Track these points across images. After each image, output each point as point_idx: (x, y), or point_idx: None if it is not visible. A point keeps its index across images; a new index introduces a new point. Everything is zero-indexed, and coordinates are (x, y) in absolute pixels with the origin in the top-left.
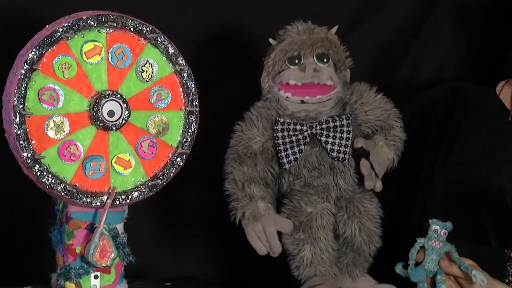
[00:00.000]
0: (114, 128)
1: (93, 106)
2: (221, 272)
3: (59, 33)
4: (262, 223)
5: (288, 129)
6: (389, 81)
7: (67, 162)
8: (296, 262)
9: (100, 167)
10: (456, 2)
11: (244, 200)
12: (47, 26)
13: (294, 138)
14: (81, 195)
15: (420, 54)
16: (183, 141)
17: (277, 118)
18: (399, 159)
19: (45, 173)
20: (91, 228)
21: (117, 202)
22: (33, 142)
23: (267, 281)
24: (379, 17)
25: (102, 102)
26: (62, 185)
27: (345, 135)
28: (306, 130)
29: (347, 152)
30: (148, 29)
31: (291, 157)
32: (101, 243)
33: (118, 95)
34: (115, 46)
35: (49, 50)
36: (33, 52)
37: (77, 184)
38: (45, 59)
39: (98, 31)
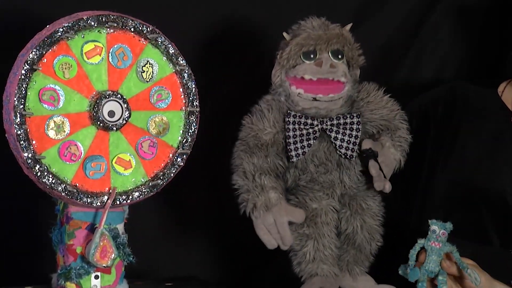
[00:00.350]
0: (115, 128)
1: (94, 106)
2: (221, 272)
3: (59, 33)
4: (274, 214)
5: (299, 122)
6: (389, 81)
7: (68, 162)
8: (298, 258)
9: (100, 167)
10: (456, 2)
11: (255, 191)
12: (47, 26)
13: (304, 132)
14: (81, 195)
15: (420, 54)
16: (184, 141)
17: (289, 111)
18: (405, 161)
19: (45, 173)
20: (92, 228)
21: (118, 202)
22: (34, 142)
23: (267, 281)
24: (379, 17)
25: (103, 102)
26: (63, 185)
27: (354, 133)
28: (317, 125)
29: (355, 150)
30: (148, 29)
31: (300, 151)
32: (101, 243)
33: (119, 95)
34: (115, 46)
35: (50, 50)
36: (33, 52)
37: (77, 184)
38: (45, 59)
39: (98, 31)
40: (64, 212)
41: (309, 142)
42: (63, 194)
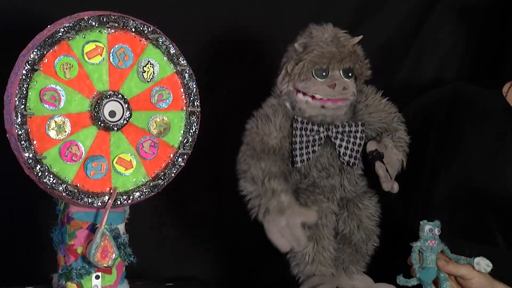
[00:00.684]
0: (116, 128)
1: (95, 106)
2: (221, 272)
3: (60, 34)
4: (287, 217)
5: (305, 129)
6: (389, 81)
7: (69, 163)
8: (297, 259)
9: (101, 167)
10: (456, 2)
11: (266, 196)
12: (48, 26)
13: (310, 138)
14: (82, 196)
15: (420, 54)
16: (184, 142)
17: (296, 117)
18: (406, 161)
19: (46, 174)
20: (93, 229)
21: (119, 203)
22: (35, 142)
23: (267, 281)
24: (379, 17)
25: (104, 102)
26: (64, 186)
27: (357, 141)
28: (323, 132)
29: (357, 157)
30: (149, 29)
31: (305, 157)
32: (102, 244)
33: (120, 95)
34: (116, 46)
35: (51, 50)
36: (34, 53)
37: (78, 185)
38: (46, 60)
39: (99, 31)
40: (65, 212)
41: (314, 148)
42: (64, 194)
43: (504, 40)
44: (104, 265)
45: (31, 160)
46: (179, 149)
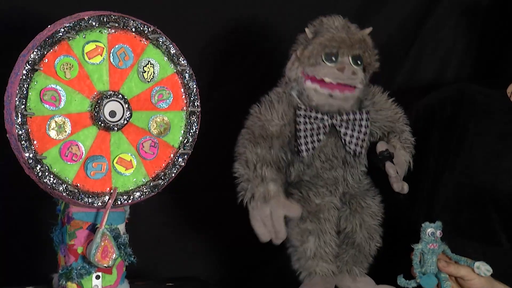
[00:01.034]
0: (116, 128)
1: (95, 106)
2: (222, 272)
3: (60, 34)
4: (271, 206)
5: (309, 116)
6: (390, 81)
7: (69, 163)
8: (298, 253)
9: (101, 167)
10: (456, 2)
11: (255, 181)
12: (48, 26)
13: (315, 126)
14: (82, 196)
15: (420, 54)
16: (185, 142)
17: (299, 105)
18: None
19: (46, 174)
20: (93, 229)
21: (119, 203)
22: (35, 142)
23: (267, 281)
24: (379, 17)
25: (104, 102)
26: (64, 186)
27: (363, 129)
28: (327, 120)
29: (363, 146)
30: (149, 29)
31: (310, 145)
32: (102, 244)
33: (120, 95)
34: (116, 46)
35: (51, 50)
36: (34, 53)
37: (78, 185)
38: (46, 60)
39: (99, 31)
40: (65, 212)
41: (319, 136)
42: (64, 194)
43: (505, 40)
44: (104, 265)
45: (31, 160)
46: (179, 149)
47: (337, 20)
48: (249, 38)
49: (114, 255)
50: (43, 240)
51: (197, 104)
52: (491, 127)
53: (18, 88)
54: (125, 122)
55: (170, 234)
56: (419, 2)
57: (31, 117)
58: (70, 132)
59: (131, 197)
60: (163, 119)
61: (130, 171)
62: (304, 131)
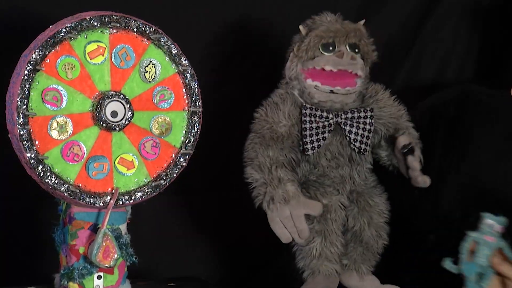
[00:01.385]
0: (117, 128)
1: (96, 106)
2: (223, 272)
3: (62, 34)
4: (290, 207)
5: (314, 115)
6: (390, 82)
7: (70, 163)
8: (303, 252)
9: (103, 167)
10: (457, 2)
11: (272, 184)
12: (50, 26)
13: (320, 125)
14: (84, 196)
15: (420, 54)
16: (186, 142)
17: (304, 104)
18: None
19: (48, 174)
20: (94, 229)
21: (120, 203)
22: (36, 142)
23: (268, 281)
24: (380, 17)
25: (105, 102)
26: (65, 186)
27: (368, 127)
28: (332, 118)
29: (368, 144)
30: (151, 29)
31: (315, 144)
32: (104, 244)
33: (121, 95)
34: (118, 46)
35: (53, 50)
36: (36, 53)
37: (80, 185)
38: (48, 60)
39: (101, 31)
40: (66, 212)
41: (324, 135)
42: (66, 194)
43: (506, 40)
44: (106, 265)
45: (33, 160)
46: (181, 149)
47: (329, 15)
48: (250, 38)
49: (115, 255)
50: (44, 240)
51: (199, 104)
52: (496, 128)
53: (19, 88)
54: (127, 122)
55: (171, 234)
56: (419, 2)
57: (32, 117)
58: (71, 132)
59: (133, 197)
60: (165, 119)
61: (132, 171)
62: (310, 129)
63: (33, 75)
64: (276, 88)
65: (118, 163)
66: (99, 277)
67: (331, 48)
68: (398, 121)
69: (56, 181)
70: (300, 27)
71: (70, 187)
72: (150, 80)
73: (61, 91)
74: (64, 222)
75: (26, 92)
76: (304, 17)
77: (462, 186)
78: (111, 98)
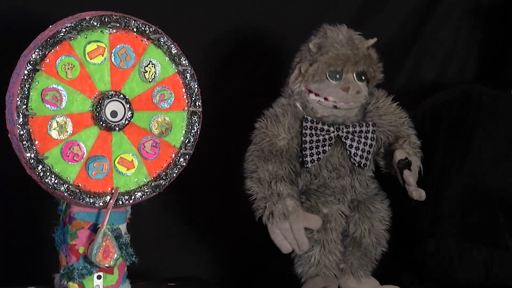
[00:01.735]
0: (117, 128)
1: (96, 106)
2: (223, 272)
3: (62, 34)
4: (290, 221)
5: (315, 128)
6: (390, 82)
7: (70, 163)
8: (302, 260)
9: (103, 167)
10: (457, 2)
11: (272, 199)
12: (50, 26)
13: (320, 138)
14: (84, 196)
15: (421, 55)
16: (186, 142)
17: (306, 116)
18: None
19: (48, 174)
20: (94, 229)
21: (120, 203)
22: (36, 142)
23: (268, 281)
24: (380, 18)
25: (105, 102)
26: (65, 186)
27: (369, 141)
28: (333, 131)
29: (369, 158)
30: (151, 29)
31: (315, 157)
32: (104, 244)
33: (121, 95)
34: (118, 46)
35: (52, 50)
36: (36, 53)
37: (80, 185)
38: (48, 60)
39: (101, 31)
40: (66, 212)
41: (324, 148)
42: (65, 194)
43: (507, 40)
44: (106, 265)
45: (32, 160)
46: (181, 149)
47: (341, 32)
48: (250, 38)
49: (115, 255)
50: (44, 240)
51: (199, 104)
52: (498, 128)
53: (19, 88)
54: (127, 122)
55: (171, 234)
56: (419, 2)
57: (32, 117)
58: (71, 132)
59: (133, 197)
60: (165, 119)
61: (132, 171)
62: (310, 142)
63: (33, 75)
64: (275, 89)
65: (118, 163)
66: (99, 277)
67: (338, 76)
68: (398, 129)
69: (56, 181)
70: (311, 45)
71: (70, 187)
72: (150, 80)
73: (61, 91)
74: (64, 222)
75: (26, 92)
76: (305, 17)
77: (463, 186)
78: (111, 98)
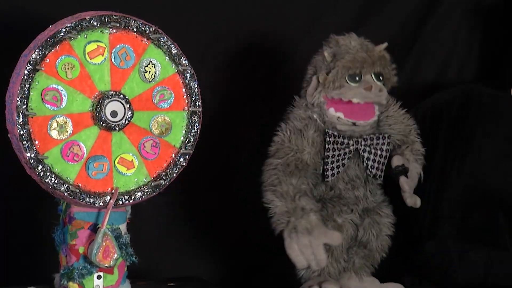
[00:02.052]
0: (117, 128)
1: (96, 106)
2: (223, 272)
3: (62, 34)
4: (311, 237)
5: (336, 142)
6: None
7: (70, 163)
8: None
9: (103, 167)
10: (457, 2)
11: (296, 214)
12: (50, 26)
13: (341, 152)
14: (84, 196)
15: (421, 55)
16: (186, 142)
17: (327, 130)
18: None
19: (48, 174)
20: (94, 229)
21: (120, 203)
22: (36, 142)
23: (268, 281)
24: (380, 18)
25: (105, 102)
26: (65, 186)
27: (384, 153)
28: (352, 145)
29: (383, 170)
30: (151, 29)
31: (335, 170)
32: (104, 244)
33: (121, 95)
34: (118, 46)
35: (52, 50)
36: (36, 53)
37: (80, 185)
38: (48, 60)
39: (101, 31)
40: (66, 212)
41: (344, 162)
42: (65, 194)
43: (506, 40)
44: (106, 265)
45: (32, 160)
46: (181, 149)
47: (353, 39)
48: (250, 38)
49: (115, 255)
50: (44, 240)
51: (199, 104)
52: (498, 129)
53: (19, 88)
54: (127, 122)
55: (171, 234)
56: (419, 2)
57: (32, 117)
58: (71, 132)
59: (133, 197)
60: (165, 119)
61: (132, 171)
62: (332, 157)
63: (33, 75)
64: (275, 89)
65: (118, 163)
66: (99, 277)
67: (357, 78)
68: (406, 138)
69: (56, 181)
70: (325, 53)
71: (70, 187)
72: (150, 80)
73: (61, 91)
74: (64, 222)
75: (26, 92)
76: (305, 17)
77: (463, 187)
78: (111, 98)
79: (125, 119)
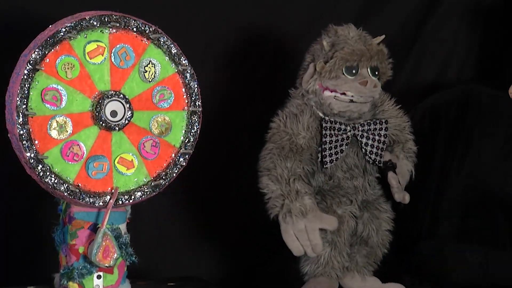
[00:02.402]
0: (117, 128)
1: (96, 106)
2: (223, 272)
3: (62, 33)
4: (307, 221)
5: (333, 128)
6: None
7: (70, 162)
8: (310, 259)
9: (103, 167)
10: (457, 2)
11: (290, 196)
12: (50, 26)
13: (339, 138)
14: (84, 195)
15: (421, 55)
16: (186, 141)
17: (324, 116)
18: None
19: (48, 173)
20: (94, 228)
21: (120, 202)
22: (36, 142)
23: (268, 281)
24: (380, 18)
25: (105, 102)
26: (65, 185)
27: (382, 139)
28: (350, 131)
29: (382, 155)
30: (151, 29)
31: (334, 157)
32: (104, 243)
33: (121, 95)
34: (118, 46)
35: (52, 50)
36: (36, 52)
37: (80, 184)
38: (48, 59)
39: (101, 31)
40: (66, 212)
41: (342, 148)
42: (65, 194)
43: (506, 40)
44: (106, 265)
45: (32, 160)
46: (181, 148)
47: (352, 30)
48: (250, 38)
49: (115, 255)
50: (44, 240)
51: (198, 104)
52: (498, 129)
53: (19, 88)
54: (126, 122)
55: (171, 234)
56: (419, 2)
57: (32, 117)
58: (71, 132)
59: (133, 197)
60: (164, 118)
61: (132, 171)
62: (330, 143)
63: (33, 75)
64: (275, 89)
65: (117, 162)
66: (98, 277)
67: (354, 71)
68: (401, 133)
69: (55, 181)
70: (324, 42)
71: (70, 186)
72: (150, 80)
73: (60, 91)
74: (64, 222)
75: (26, 92)
76: (305, 17)
77: (463, 187)
78: (110, 98)
79: (125, 119)
